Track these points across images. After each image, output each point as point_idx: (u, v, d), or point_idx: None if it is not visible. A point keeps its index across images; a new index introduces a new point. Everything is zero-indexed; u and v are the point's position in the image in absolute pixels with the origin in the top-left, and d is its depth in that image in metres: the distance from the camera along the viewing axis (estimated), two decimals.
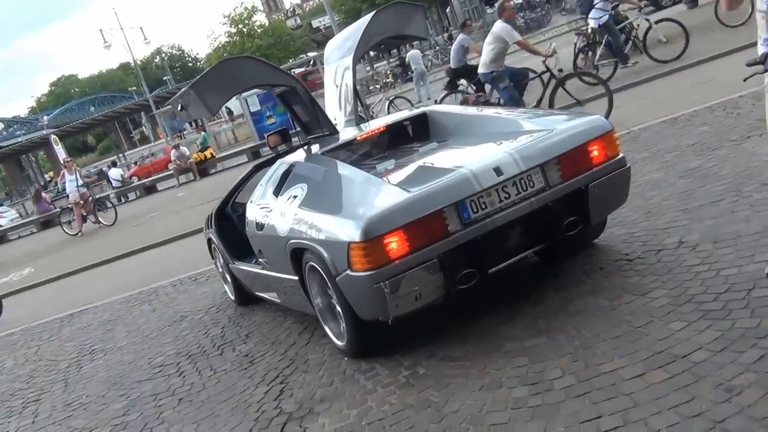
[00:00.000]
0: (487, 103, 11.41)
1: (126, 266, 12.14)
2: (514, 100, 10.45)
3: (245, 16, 59.50)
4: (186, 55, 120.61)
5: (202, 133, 29.56)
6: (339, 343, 4.63)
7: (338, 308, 4.41)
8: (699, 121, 7.47)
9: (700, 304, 3.60)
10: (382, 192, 4.19)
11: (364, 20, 6.35)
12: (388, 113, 17.30)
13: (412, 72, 23.53)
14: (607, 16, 13.52)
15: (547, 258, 4.93)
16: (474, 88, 12.56)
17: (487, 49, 10.72)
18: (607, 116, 6.87)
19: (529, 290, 4.55)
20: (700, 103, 8.25)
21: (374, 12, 6.34)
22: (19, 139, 71.38)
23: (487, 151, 4.45)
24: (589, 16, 14.59)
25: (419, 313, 4.18)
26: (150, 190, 27.61)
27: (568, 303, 4.15)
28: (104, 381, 5.80)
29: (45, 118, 79.98)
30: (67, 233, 19.34)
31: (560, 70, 10.30)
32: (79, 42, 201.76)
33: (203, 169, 25.98)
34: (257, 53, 53.54)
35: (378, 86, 26.32)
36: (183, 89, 5.74)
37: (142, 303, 8.21)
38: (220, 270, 7.03)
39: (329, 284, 4.30)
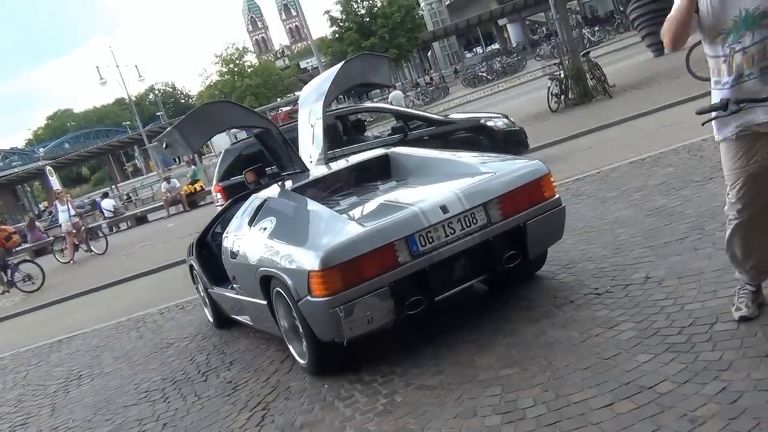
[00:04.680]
0: None
1: (115, 294, 12.19)
2: None
3: (236, 56, 59.86)
4: (178, 92, 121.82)
5: (192, 166, 29.67)
6: (301, 361, 5.01)
7: (300, 330, 4.75)
8: (665, 163, 7.68)
9: (666, 338, 3.72)
10: (340, 226, 4.59)
11: (335, 69, 6.85)
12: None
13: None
14: None
15: (495, 287, 5.33)
16: None
17: None
18: None
19: (503, 322, 4.66)
20: (666, 146, 8.51)
21: (343, 62, 6.91)
22: (15, 170, 71.39)
23: (436, 190, 4.85)
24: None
25: (393, 343, 4.44)
26: (141, 220, 27.64)
27: (540, 335, 4.27)
28: (91, 406, 5.86)
29: (41, 150, 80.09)
30: (59, 261, 19.33)
31: None
32: (76, 78, 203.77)
33: (193, 201, 26.04)
34: (247, 92, 54.18)
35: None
36: (168, 129, 6.11)
37: (129, 330, 8.27)
38: (201, 294, 7.38)
39: (293, 308, 4.66)
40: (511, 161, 5.20)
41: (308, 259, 4.35)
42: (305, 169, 6.36)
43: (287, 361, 5.30)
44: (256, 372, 5.34)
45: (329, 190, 5.99)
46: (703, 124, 3.50)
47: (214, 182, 11.59)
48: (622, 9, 43.00)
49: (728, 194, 3.60)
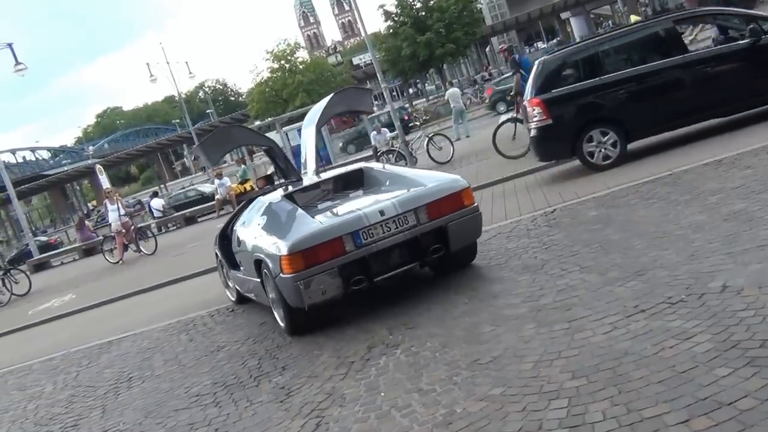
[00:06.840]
0: None
1: (165, 295, 12.22)
2: None
3: (288, 52, 59.19)
4: (229, 89, 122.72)
5: (242, 166, 29.64)
6: (282, 324, 6.61)
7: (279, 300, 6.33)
8: (743, 164, 7.38)
9: (746, 351, 3.53)
10: (306, 224, 6.27)
11: (327, 98, 8.51)
12: (427, 149, 17.82)
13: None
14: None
15: (436, 272, 6.93)
16: None
17: None
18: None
19: (572, 331, 4.50)
20: (745, 146, 8.19)
21: (333, 94, 8.65)
22: (65, 168, 72.71)
23: (380, 198, 6.49)
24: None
25: (452, 351, 4.16)
26: (190, 220, 27.79)
27: (609, 345, 4.10)
28: (141, 409, 5.83)
29: (90, 148, 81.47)
30: (108, 261, 19.56)
31: None
32: (126, 75, 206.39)
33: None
34: (299, 88, 53.58)
35: (417, 123, 26.43)
36: (195, 145, 7.51)
37: (179, 332, 8.25)
38: (223, 277, 9.17)
39: (272, 283, 6.27)
40: (443, 176, 6.84)
41: (280, 247, 6.02)
42: (300, 178, 7.98)
43: (342, 368, 5.20)
44: (310, 378, 5.24)
45: (313, 194, 7.68)
46: None
47: (529, 96, 10.48)
48: None
49: None
